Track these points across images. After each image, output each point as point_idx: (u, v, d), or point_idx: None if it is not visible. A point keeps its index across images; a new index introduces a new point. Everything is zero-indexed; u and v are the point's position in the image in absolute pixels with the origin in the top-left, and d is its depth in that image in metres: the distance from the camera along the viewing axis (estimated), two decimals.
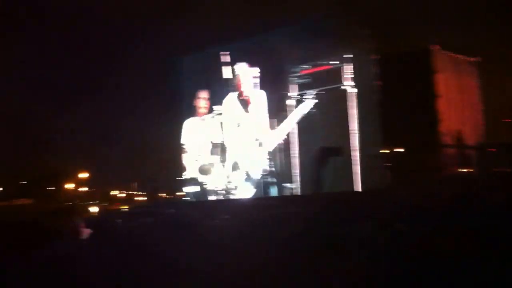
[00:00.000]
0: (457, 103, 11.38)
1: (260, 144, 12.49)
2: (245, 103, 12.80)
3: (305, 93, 11.75)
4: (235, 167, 13.10)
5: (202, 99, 14.19)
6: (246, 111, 12.78)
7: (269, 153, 12.43)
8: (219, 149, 13.62)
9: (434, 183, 9.98)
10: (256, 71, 12.70)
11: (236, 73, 13.00)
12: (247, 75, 12.80)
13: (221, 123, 13.47)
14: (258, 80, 12.69)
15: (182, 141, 14.61)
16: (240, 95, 12.92)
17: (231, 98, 13.06)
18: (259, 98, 12.60)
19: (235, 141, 13.05)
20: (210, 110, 13.80)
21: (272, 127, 12.43)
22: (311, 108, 11.62)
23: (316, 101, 11.56)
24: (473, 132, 11.55)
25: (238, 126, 12.91)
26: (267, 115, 12.52)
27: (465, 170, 11.08)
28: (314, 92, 11.59)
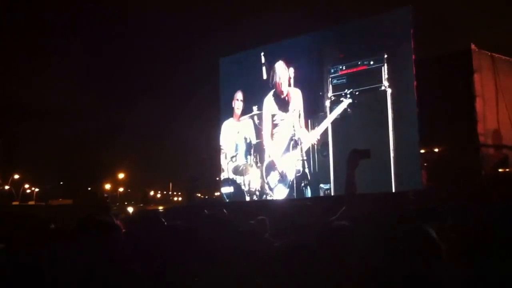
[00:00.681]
0: (496, 103, 11.24)
1: (295, 144, 12.54)
2: (282, 101, 12.90)
3: (341, 94, 11.75)
4: (270, 167, 13.18)
5: (239, 100, 14.33)
6: (284, 109, 12.86)
7: (304, 153, 12.46)
8: (255, 149, 13.73)
9: (472, 184, 9.89)
10: (291, 71, 12.79)
11: (274, 72, 13.11)
12: (284, 73, 12.89)
13: (257, 123, 13.57)
14: (293, 80, 12.78)
15: (220, 143, 14.79)
16: (277, 93, 13.02)
17: (269, 97, 13.18)
18: (296, 97, 12.66)
19: (271, 141, 13.14)
20: (248, 111, 13.91)
21: (308, 126, 12.46)
22: (346, 109, 11.61)
23: (350, 101, 11.55)
24: (511, 132, 11.39)
25: (275, 125, 13.01)
26: (303, 113, 12.57)
27: (503, 170, 10.94)
28: (348, 91, 11.58)
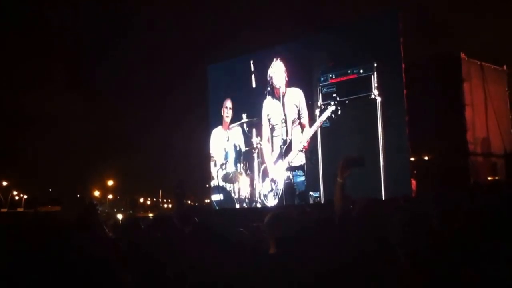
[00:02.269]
0: (485, 111, 11.31)
1: (287, 149, 12.51)
2: (279, 101, 12.85)
3: (329, 103, 11.77)
4: (265, 173, 13.15)
5: (228, 108, 14.32)
6: (279, 110, 12.81)
7: (294, 160, 12.44)
8: (244, 157, 13.71)
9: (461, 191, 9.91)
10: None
11: (271, 74, 13.07)
12: (281, 71, 12.87)
13: (247, 131, 13.56)
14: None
15: (210, 150, 14.76)
16: (276, 93, 12.96)
17: (268, 98, 13.14)
18: (296, 96, 12.61)
19: (268, 145, 13.10)
20: (237, 119, 13.89)
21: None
22: (330, 115, 11.62)
23: (333, 108, 11.57)
24: (500, 140, 11.45)
25: (272, 127, 12.98)
26: (306, 111, 12.50)
27: (492, 178, 10.99)
28: (334, 102, 11.59)
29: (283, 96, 12.80)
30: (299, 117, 12.56)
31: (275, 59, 13.10)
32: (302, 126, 12.44)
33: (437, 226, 3.33)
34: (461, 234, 2.94)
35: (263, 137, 13.25)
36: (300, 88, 12.57)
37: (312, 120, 12.19)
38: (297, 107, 12.59)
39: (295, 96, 12.61)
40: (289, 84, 12.79)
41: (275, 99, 12.98)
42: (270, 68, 13.15)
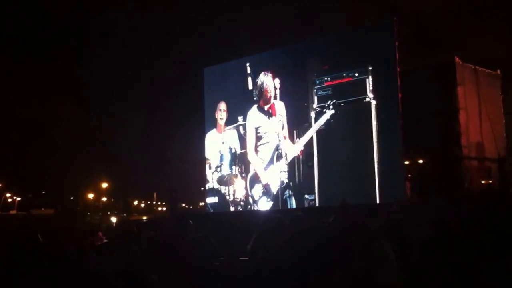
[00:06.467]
0: (479, 115, 11.35)
1: (279, 155, 12.50)
2: (267, 113, 12.85)
3: (325, 105, 11.77)
4: (254, 180, 13.12)
5: (223, 110, 14.30)
6: (268, 120, 12.80)
7: (288, 164, 12.43)
8: (239, 160, 13.68)
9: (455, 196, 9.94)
10: (277, 82, 12.74)
11: (260, 83, 13.04)
12: (270, 85, 12.84)
13: (242, 134, 13.54)
14: (278, 91, 12.75)
15: (205, 153, 14.72)
16: (262, 105, 12.96)
17: (253, 110, 13.11)
18: (280, 108, 12.64)
19: (255, 154, 13.08)
20: (232, 121, 13.88)
21: (293, 137, 12.45)
22: (329, 119, 11.62)
23: (333, 112, 11.57)
24: (494, 144, 11.49)
25: (259, 137, 12.95)
26: (286, 124, 12.55)
27: (486, 182, 11.03)
28: (331, 102, 11.58)
29: (272, 105, 12.79)
30: (282, 129, 12.58)
31: (262, 72, 13.05)
32: (295, 133, 12.47)
33: (432, 234, 3.34)
34: (458, 242, 2.95)
35: (250, 145, 13.18)
36: (295, 91, 12.58)
37: (303, 123, 12.23)
38: (283, 116, 12.61)
39: (282, 107, 12.63)
40: (279, 92, 12.74)
41: (262, 108, 12.94)
42: (257, 81, 13.10)
